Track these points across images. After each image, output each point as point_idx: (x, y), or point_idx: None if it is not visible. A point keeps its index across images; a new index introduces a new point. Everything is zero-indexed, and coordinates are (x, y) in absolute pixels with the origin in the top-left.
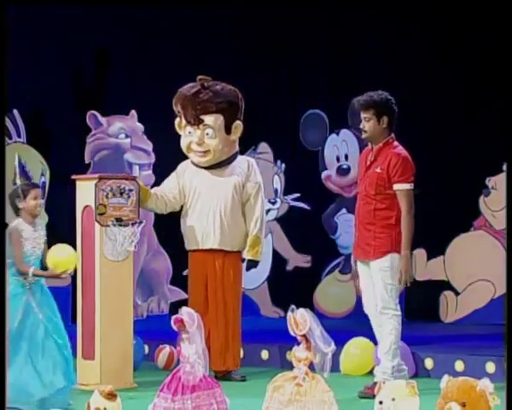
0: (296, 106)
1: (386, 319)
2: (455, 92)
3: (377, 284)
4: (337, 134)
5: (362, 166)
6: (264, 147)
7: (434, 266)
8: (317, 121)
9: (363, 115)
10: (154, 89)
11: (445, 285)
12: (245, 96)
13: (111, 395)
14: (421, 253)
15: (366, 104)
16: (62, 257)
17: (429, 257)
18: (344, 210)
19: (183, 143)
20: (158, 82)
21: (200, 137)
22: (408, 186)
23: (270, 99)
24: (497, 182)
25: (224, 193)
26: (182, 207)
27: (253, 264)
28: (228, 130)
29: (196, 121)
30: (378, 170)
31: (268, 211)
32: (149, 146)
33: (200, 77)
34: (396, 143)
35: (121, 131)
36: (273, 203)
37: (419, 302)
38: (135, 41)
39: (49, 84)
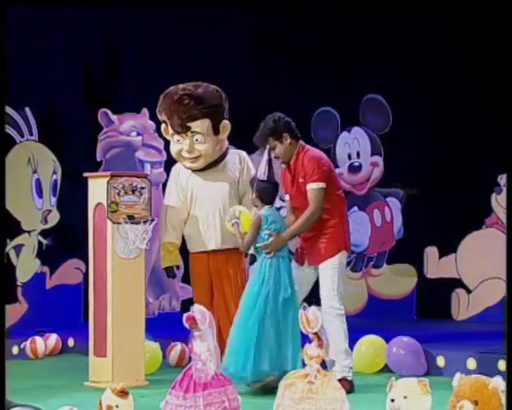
0: (307, 103)
1: (331, 318)
2: (467, 89)
3: (324, 282)
4: (348, 132)
5: (287, 181)
6: None
7: (446, 264)
8: (328, 119)
9: (268, 147)
10: (165, 87)
11: (457, 283)
12: (255, 95)
13: (123, 393)
14: (432, 251)
15: (263, 138)
16: None
17: (441, 255)
18: (355, 208)
19: (174, 150)
20: (169, 80)
21: (190, 144)
22: (314, 186)
23: (281, 97)
24: None
25: (220, 192)
26: None
27: (255, 258)
28: (216, 131)
29: (184, 129)
30: (301, 180)
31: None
32: (161, 144)
33: (181, 86)
34: (307, 147)
35: (133, 128)
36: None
37: (431, 300)
38: (146, 39)
39: (61, 82)
